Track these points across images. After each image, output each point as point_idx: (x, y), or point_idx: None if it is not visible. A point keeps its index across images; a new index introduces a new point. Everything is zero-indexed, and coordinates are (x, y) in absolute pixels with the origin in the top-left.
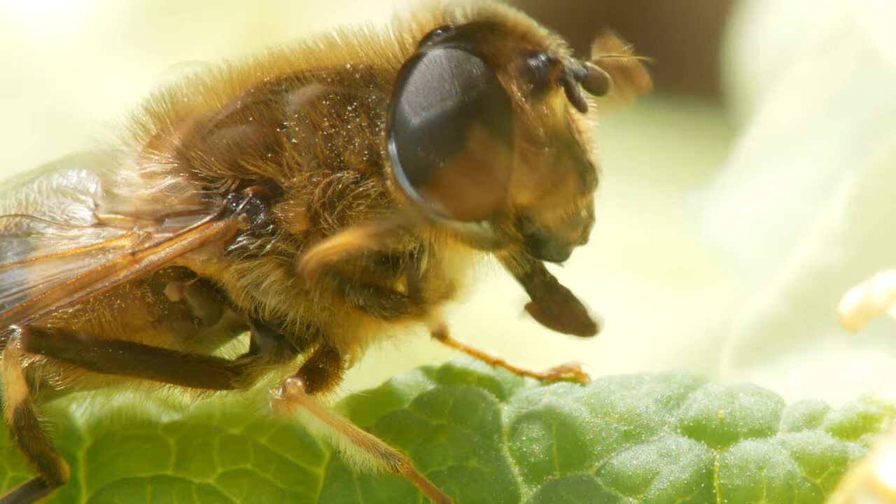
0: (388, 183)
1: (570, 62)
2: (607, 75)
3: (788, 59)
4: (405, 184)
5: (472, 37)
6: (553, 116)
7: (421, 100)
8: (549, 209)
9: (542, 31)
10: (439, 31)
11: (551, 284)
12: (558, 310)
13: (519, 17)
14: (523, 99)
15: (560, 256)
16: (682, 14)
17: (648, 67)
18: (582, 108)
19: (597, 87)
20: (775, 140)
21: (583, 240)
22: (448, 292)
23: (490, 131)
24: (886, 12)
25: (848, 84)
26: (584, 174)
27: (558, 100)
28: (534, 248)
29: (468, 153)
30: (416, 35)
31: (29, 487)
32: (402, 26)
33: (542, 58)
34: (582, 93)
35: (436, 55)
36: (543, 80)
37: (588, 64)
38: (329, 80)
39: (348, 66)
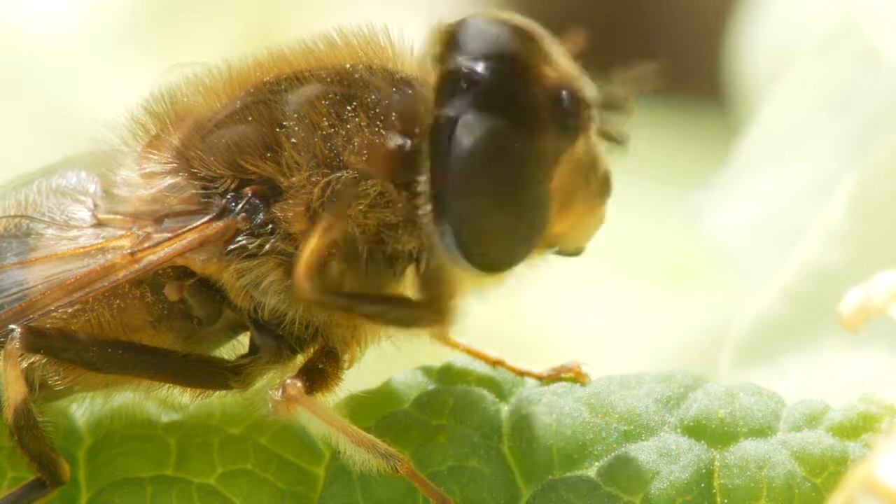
0: (432, 240)
1: (596, 99)
2: (629, 137)
3: (788, 59)
4: (453, 250)
5: (501, 89)
6: (585, 155)
7: (462, 175)
8: (577, 233)
9: (573, 65)
10: (463, 84)
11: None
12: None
13: (552, 45)
14: (558, 150)
15: (577, 253)
16: (682, 14)
17: (651, 69)
18: (619, 141)
19: (621, 142)
20: (775, 140)
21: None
22: (456, 293)
23: (533, 192)
24: (886, 12)
25: (848, 84)
26: (604, 195)
27: (588, 140)
28: (560, 255)
29: (511, 216)
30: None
31: (29, 487)
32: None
33: (574, 102)
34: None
35: (468, 121)
36: (575, 126)
37: (616, 120)
38: (328, 79)
39: (348, 65)
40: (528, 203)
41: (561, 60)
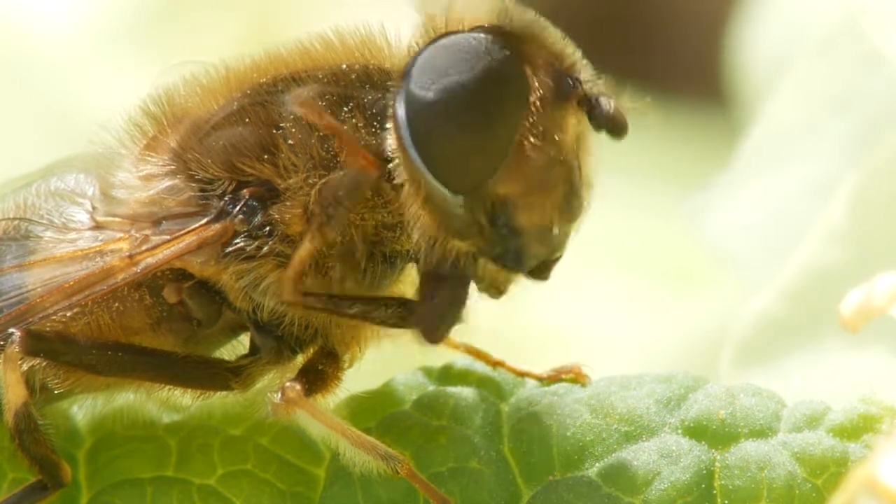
0: (388, 130)
1: (600, 90)
2: (628, 122)
3: (788, 59)
4: (403, 124)
5: (514, 34)
6: (563, 130)
7: (442, 63)
8: (525, 210)
9: (578, 54)
10: (485, 25)
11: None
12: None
13: (558, 34)
14: (540, 98)
15: (516, 265)
16: (682, 14)
17: (644, 67)
18: (615, 130)
19: (616, 127)
20: (776, 140)
21: (550, 256)
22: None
23: (498, 106)
24: (886, 12)
25: (848, 84)
26: (570, 197)
27: (573, 121)
28: (493, 246)
29: (471, 119)
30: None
31: (30, 489)
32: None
33: (573, 76)
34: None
35: (470, 35)
36: (567, 92)
37: (614, 104)
38: (325, 80)
39: (344, 66)
40: (495, 110)
41: (555, 44)
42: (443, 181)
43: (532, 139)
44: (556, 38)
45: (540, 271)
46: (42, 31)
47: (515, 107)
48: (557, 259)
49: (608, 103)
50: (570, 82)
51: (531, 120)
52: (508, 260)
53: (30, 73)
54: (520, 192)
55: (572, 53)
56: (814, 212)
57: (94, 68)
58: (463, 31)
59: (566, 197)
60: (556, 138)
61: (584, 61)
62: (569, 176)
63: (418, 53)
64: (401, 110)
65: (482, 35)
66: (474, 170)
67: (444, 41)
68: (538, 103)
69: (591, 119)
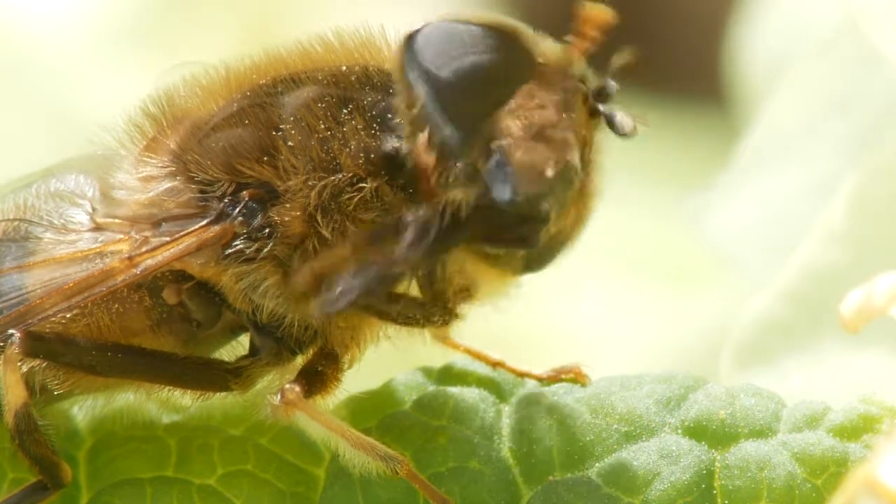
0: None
1: (611, 102)
2: (635, 124)
3: (788, 59)
4: (412, 56)
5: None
6: (566, 109)
7: (449, 26)
8: (519, 149)
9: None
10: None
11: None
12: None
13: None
14: (548, 73)
15: (510, 203)
16: (682, 14)
17: (644, 67)
18: (622, 132)
19: (621, 127)
20: (775, 140)
21: (538, 203)
22: (467, 294)
23: (507, 56)
24: (886, 12)
25: (848, 84)
26: (568, 165)
27: (580, 105)
28: (489, 185)
29: (479, 54)
30: None
31: (30, 490)
32: None
33: (579, 77)
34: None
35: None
36: (574, 88)
37: (621, 111)
38: (325, 82)
39: (344, 67)
40: (497, 65)
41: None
42: (448, 108)
43: (535, 98)
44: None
45: (540, 261)
46: (42, 31)
47: (518, 69)
48: (563, 247)
49: (617, 115)
50: (575, 81)
51: (536, 85)
52: (503, 194)
53: (30, 74)
54: (516, 134)
55: (579, 63)
56: (814, 212)
57: (94, 69)
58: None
59: (561, 150)
60: (558, 106)
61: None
62: (565, 140)
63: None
64: (411, 56)
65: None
66: (478, 99)
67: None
68: (545, 74)
69: (608, 121)
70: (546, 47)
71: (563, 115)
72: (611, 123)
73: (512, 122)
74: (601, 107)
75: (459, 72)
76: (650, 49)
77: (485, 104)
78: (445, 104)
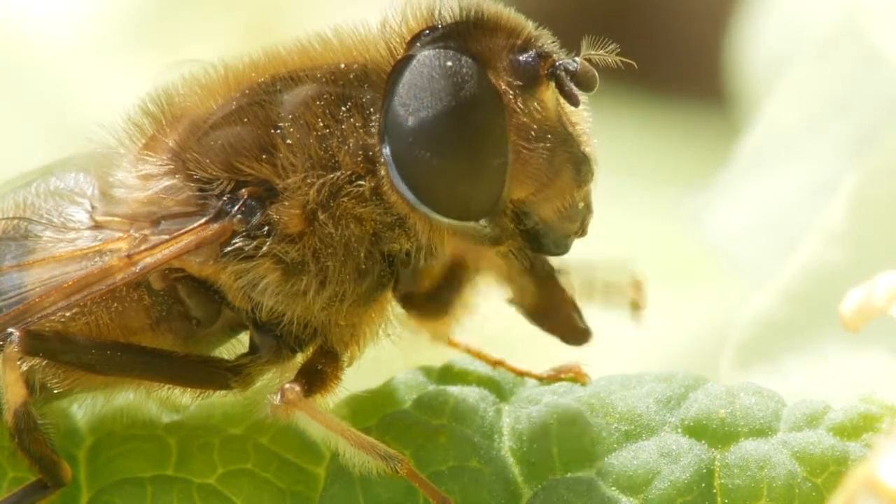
0: (384, 184)
1: (560, 56)
2: (595, 71)
3: (789, 59)
4: (401, 185)
5: (461, 35)
6: (545, 111)
7: (412, 101)
8: (546, 203)
9: (531, 27)
10: (427, 31)
11: (550, 283)
12: (550, 310)
13: (507, 14)
14: (514, 95)
15: (559, 249)
16: (682, 14)
17: (643, 67)
18: (573, 101)
19: (586, 81)
20: (775, 140)
21: (581, 231)
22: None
23: (482, 129)
24: (886, 12)
25: (848, 84)
26: (578, 166)
27: (549, 94)
28: (533, 242)
29: (461, 153)
30: (406, 35)
31: (30, 489)
32: (391, 27)
33: (532, 53)
34: (573, 87)
35: (425, 56)
36: (533, 75)
37: (577, 59)
38: (323, 80)
39: (342, 65)
40: (480, 134)
41: (534, 31)
42: (464, 218)
43: (523, 139)
44: (499, 15)
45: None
46: (42, 31)
47: (496, 123)
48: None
49: (571, 61)
50: (532, 61)
51: (514, 122)
52: (549, 248)
53: (30, 74)
54: (534, 191)
55: (522, 26)
56: (814, 212)
57: (94, 69)
58: (413, 59)
59: (575, 168)
60: (543, 123)
61: (535, 27)
62: (569, 149)
63: (387, 97)
64: (397, 179)
65: (430, 57)
66: (485, 196)
67: (400, 92)
68: (514, 102)
69: (560, 90)
70: (493, 29)
71: (553, 133)
72: (576, 88)
73: (522, 187)
74: (561, 75)
75: (454, 181)
76: (650, 49)
77: (490, 194)
78: (450, 212)
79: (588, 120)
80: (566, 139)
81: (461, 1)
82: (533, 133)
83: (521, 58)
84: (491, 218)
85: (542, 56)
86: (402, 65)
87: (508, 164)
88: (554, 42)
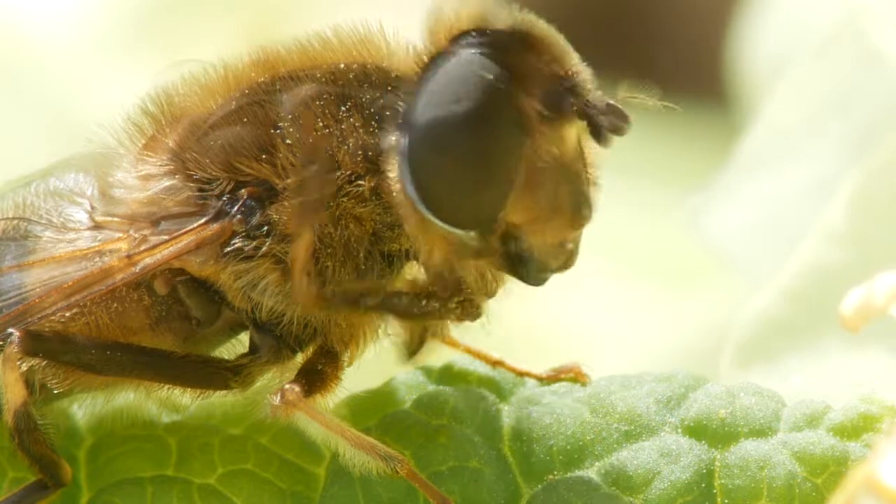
0: (385, 182)
1: (596, 96)
2: (629, 116)
3: (789, 59)
4: (406, 178)
5: (504, 46)
6: (564, 145)
7: (443, 94)
8: (538, 234)
9: (576, 60)
10: (474, 33)
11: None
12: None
13: (557, 40)
14: (538, 121)
15: (535, 281)
16: (682, 14)
17: (643, 67)
18: (603, 143)
19: (617, 127)
20: (776, 140)
21: (561, 269)
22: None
23: (498, 142)
24: (886, 12)
25: (848, 84)
26: (580, 208)
27: (573, 130)
28: (512, 266)
29: (471, 158)
30: (453, 31)
31: (31, 489)
32: (440, 20)
33: (567, 85)
34: (604, 128)
35: (464, 56)
36: (562, 108)
37: (611, 102)
38: (323, 79)
39: (342, 65)
40: (495, 147)
41: (578, 62)
42: (456, 225)
43: (535, 167)
44: (549, 39)
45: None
46: (41, 31)
47: (513, 142)
48: (575, 260)
49: (605, 103)
50: (567, 96)
51: (531, 146)
52: (525, 277)
53: (30, 74)
54: (531, 219)
55: (566, 56)
56: (814, 212)
57: (94, 69)
58: (453, 56)
59: (577, 210)
60: (560, 157)
61: (580, 61)
62: (577, 190)
63: (418, 88)
64: (405, 175)
65: (471, 60)
66: (483, 209)
67: (432, 84)
68: (537, 128)
69: (591, 131)
70: (537, 52)
71: (566, 170)
72: (606, 132)
73: (521, 212)
74: (594, 117)
75: (459, 185)
76: (650, 48)
77: (490, 207)
78: (448, 216)
79: (603, 162)
80: (577, 179)
81: (517, 15)
82: (546, 164)
83: (556, 87)
84: (481, 232)
85: (577, 91)
86: (440, 59)
87: (514, 186)
88: (593, 77)
